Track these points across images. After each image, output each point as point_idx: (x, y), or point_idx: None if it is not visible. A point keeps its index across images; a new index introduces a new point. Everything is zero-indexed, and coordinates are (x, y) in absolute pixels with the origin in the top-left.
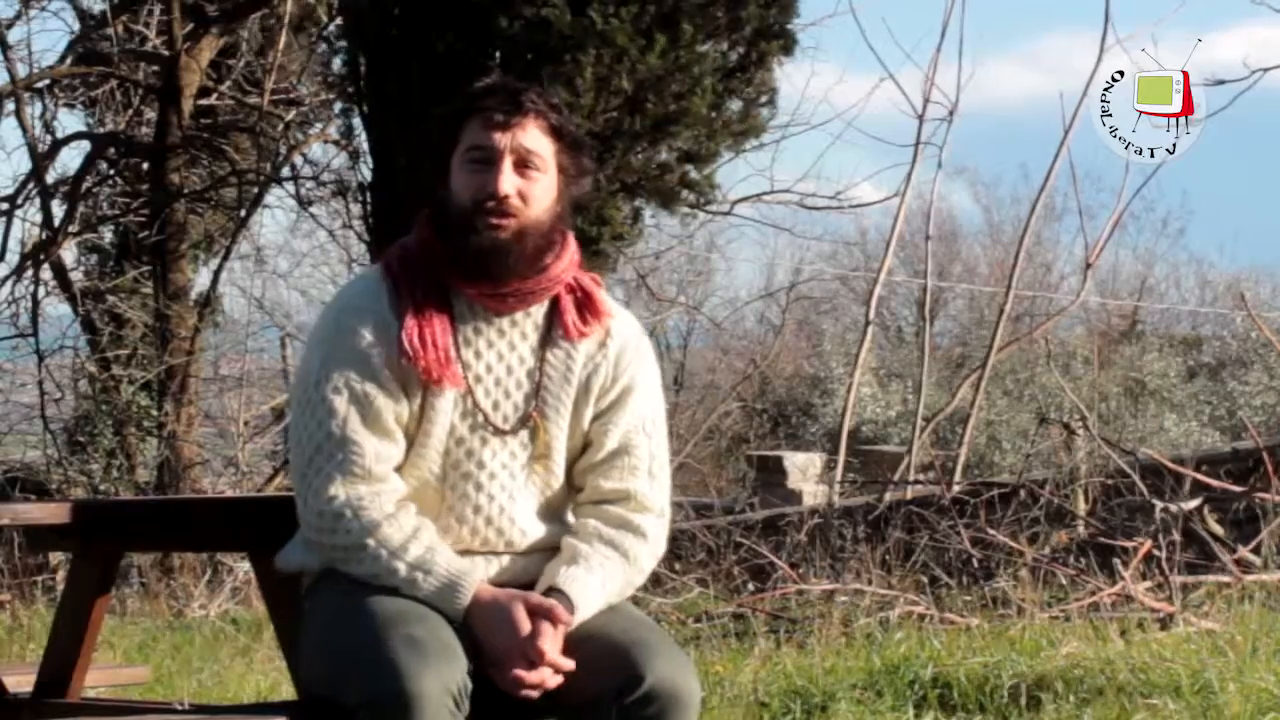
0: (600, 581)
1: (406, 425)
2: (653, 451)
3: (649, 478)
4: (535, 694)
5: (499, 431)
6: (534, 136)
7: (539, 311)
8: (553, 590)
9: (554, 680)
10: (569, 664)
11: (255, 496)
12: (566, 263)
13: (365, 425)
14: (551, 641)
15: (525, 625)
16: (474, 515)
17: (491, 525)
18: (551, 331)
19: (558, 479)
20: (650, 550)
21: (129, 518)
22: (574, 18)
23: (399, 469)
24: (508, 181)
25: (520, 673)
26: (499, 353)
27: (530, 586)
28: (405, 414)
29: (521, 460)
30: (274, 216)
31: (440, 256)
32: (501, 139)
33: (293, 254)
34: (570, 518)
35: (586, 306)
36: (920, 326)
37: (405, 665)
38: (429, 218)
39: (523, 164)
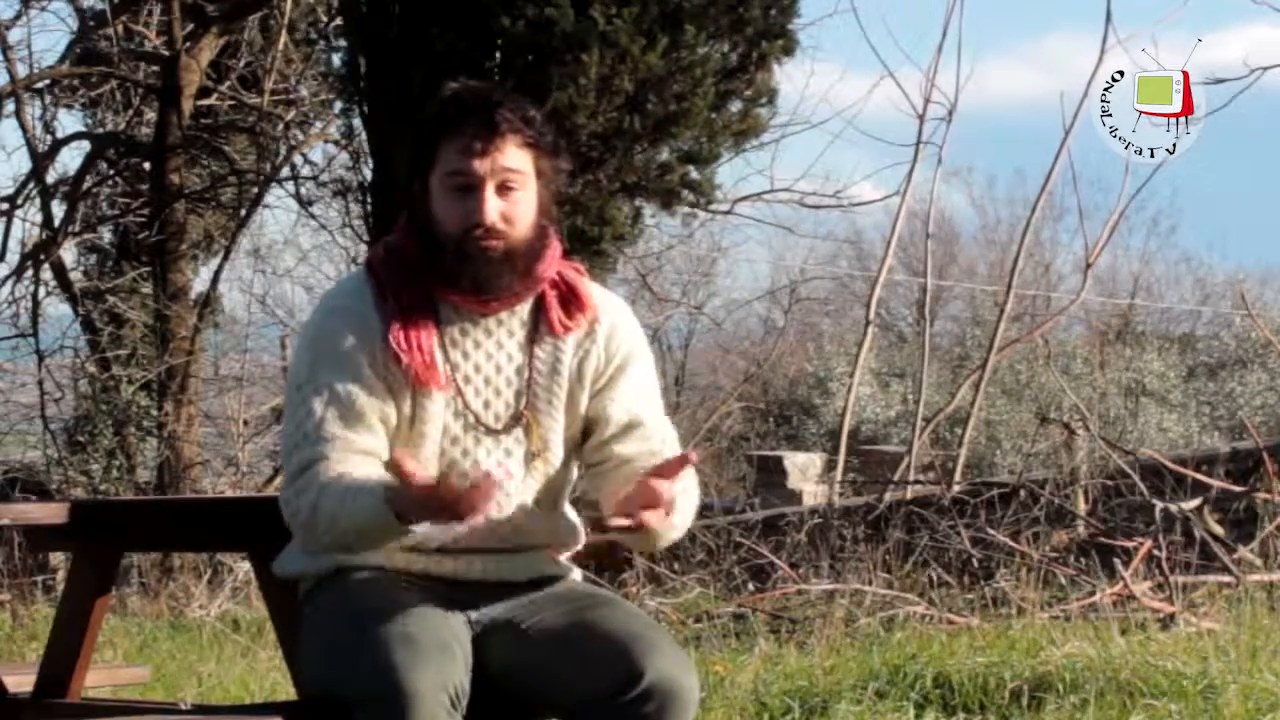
0: (685, 486)
1: (398, 426)
2: (658, 417)
3: (663, 443)
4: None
5: (491, 431)
6: (513, 156)
7: (524, 308)
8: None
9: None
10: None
11: (255, 496)
12: (548, 260)
13: (344, 424)
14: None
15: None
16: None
17: (490, 523)
18: (538, 327)
19: (554, 469)
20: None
21: (129, 518)
22: (578, 17)
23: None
24: (492, 209)
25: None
26: (486, 352)
27: (529, 583)
28: (392, 414)
29: (517, 457)
30: (274, 216)
31: (423, 266)
32: (481, 165)
33: (299, 250)
34: (568, 509)
35: (571, 300)
36: (920, 326)
37: (400, 662)
38: (409, 226)
39: (504, 186)
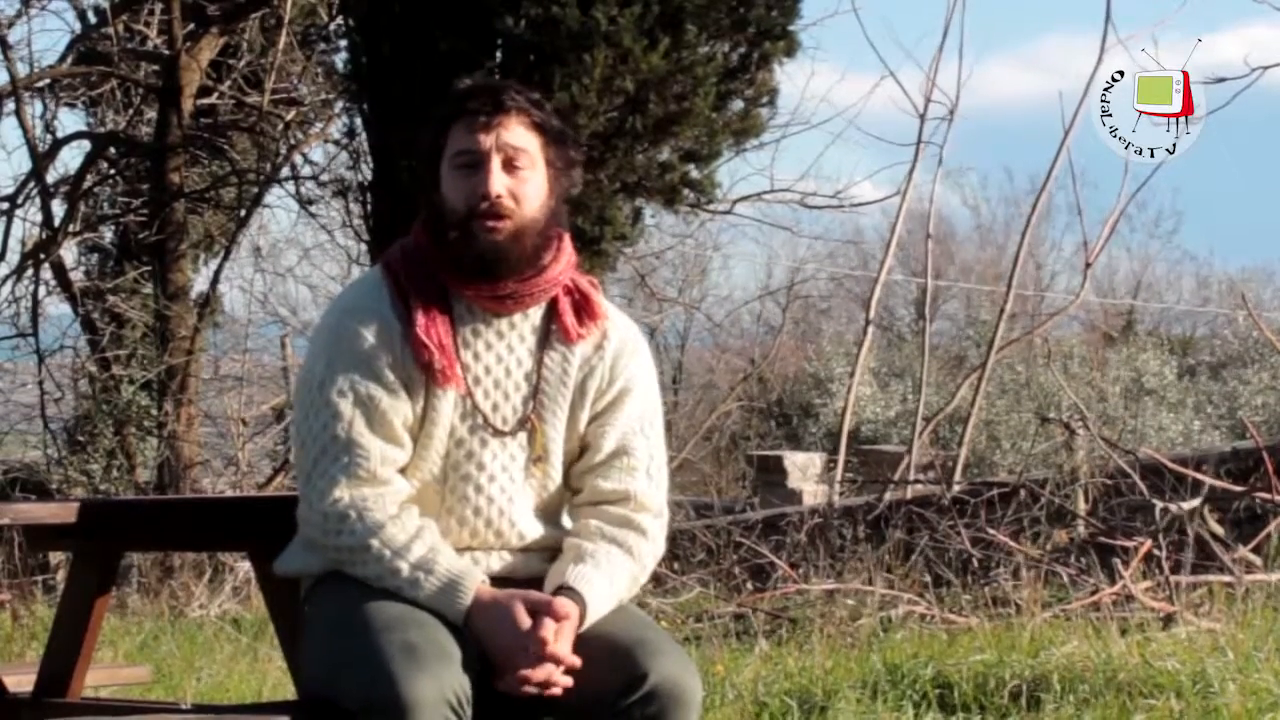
0: (608, 578)
1: (410, 427)
2: (651, 452)
3: (647, 478)
4: (536, 690)
5: (498, 433)
6: (518, 134)
7: (536, 314)
8: (563, 589)
9: (562, 678)
10: (574, 660)
11: (255, 496)
12: (564, 264)
13: (370, 429)
14: (554, 635)
15: (525, 621)
16: (474, 517)
17: (491, 527)
18: (549, 334)
19: (555, 481)
20: (652, 549)
21: (129, 518)
22: (582, 17)
23: (402, 471)
24: (498, 182)
25: (525, 671)
26: (498, 354)
27: (530, 582)
28: (410, 416)
29: (520, 461)
30: (274, 216)
31: (437, 260)
32: (486, 140)
33: (300, 248)
34: (567, 520)
35: (584, 309)
36: (920, 326)
37: (400, 671)
38: (424, 222)
39: (510, 163)
